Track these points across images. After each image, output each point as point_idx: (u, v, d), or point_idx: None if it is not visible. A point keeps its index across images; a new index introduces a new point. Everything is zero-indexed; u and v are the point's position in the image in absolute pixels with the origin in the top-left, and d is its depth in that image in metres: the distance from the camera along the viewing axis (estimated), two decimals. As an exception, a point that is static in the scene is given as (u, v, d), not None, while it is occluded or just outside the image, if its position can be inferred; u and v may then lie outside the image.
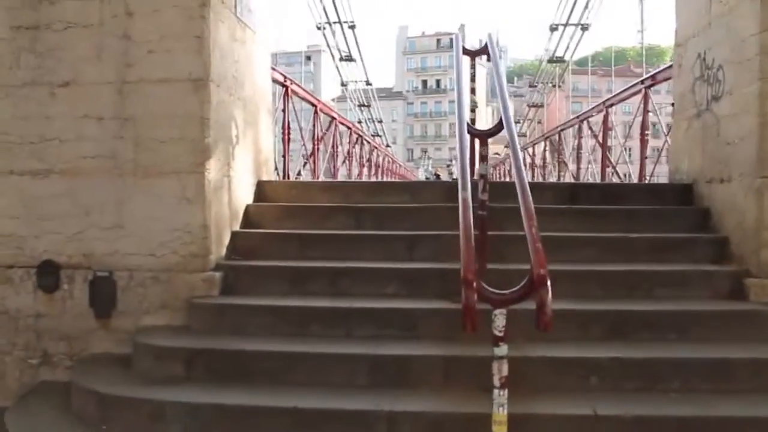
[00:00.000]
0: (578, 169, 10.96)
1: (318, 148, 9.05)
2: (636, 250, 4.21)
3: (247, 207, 4.72)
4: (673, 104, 5.17)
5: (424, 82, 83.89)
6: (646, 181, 7.20)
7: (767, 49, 3.73)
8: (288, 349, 3.45)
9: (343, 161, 11.73)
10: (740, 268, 3.94)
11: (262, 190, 5.01)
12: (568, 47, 16.58)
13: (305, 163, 9.24)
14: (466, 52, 4.68)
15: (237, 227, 4.53)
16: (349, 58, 17.78)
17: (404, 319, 3.61)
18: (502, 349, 2.38)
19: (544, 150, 14.73)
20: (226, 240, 4.33)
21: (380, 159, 17.96)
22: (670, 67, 5.69)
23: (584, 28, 15.29)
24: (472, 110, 4.68)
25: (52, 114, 4.11)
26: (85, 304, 4.05)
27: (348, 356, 3.37)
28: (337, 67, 18.33)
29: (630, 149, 9.67)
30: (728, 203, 4.18)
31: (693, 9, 4.70)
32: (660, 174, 7.35)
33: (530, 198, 2.74)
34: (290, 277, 4.07)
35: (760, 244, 3.79)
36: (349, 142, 12.38)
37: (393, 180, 13.11)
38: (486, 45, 4.57)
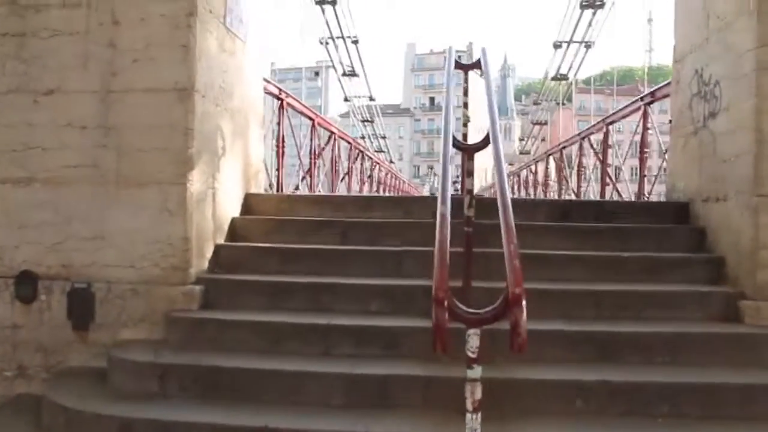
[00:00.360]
0: (579, 186, 10.85)
1: (315, 164, 8.96)
2: (628, 269, 4.09)
3: (233, 220, 4.63)
4: (671, 121, 5.07)
5: (432, 99, 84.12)
6: (645, 200, 7.09)
7: (764, 64, 3.64)
8: (264, 366, 3.35)
9: (343, 177, 11.63)
10: (735, 289, 3.82)
11: (249, 203, 4.92)
12: (571, 65, 16.55)
13: (303, 178, 9.14)
14: (458, 65, 4.61)
15: (221, 240, 4.44)
16: (353, 73, 17.78)
17: (386, 338, 3.50)
18: (476, 371, 2.27)
19: (546, 167, 14.63)
20: (209, 253, 4.24)
21: (382, 175, 17.91)
22: (670, 84, 5.60)
23: (588, 45, 15.24)
24: (465, 125, 4.58)
25: (35, 122, 4.06)
26: (62, 316, 3.96)
27: (325, 375, 3.26)
28: (340, 82, 18.35)
29: (634, 168, 9.56)
30: (724, 222, 4.07)
31: (691, 25, 4.62)
32: (661, 193, 7.24)
33: (511, 214, 2.64)
34: (272, 292, 3.97)
35: (756, 265, 3.68)
36: (349, 158, 12.30)
37: (385, 195, 12.95)
38: (479, 59, 4.50)
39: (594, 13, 14.53)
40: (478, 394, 2.28)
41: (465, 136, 4.29)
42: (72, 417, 3.20)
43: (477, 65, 4.62)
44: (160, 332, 3.83)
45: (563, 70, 16.95)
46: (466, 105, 4.60)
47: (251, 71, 5.16)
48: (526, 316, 2.24)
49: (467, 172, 3.62)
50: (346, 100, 19.71)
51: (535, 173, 16.27)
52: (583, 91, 60.51)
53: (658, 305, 3.78)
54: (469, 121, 4.86)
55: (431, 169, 71.60)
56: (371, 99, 21.31)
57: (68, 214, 4.02)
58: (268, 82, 6.31)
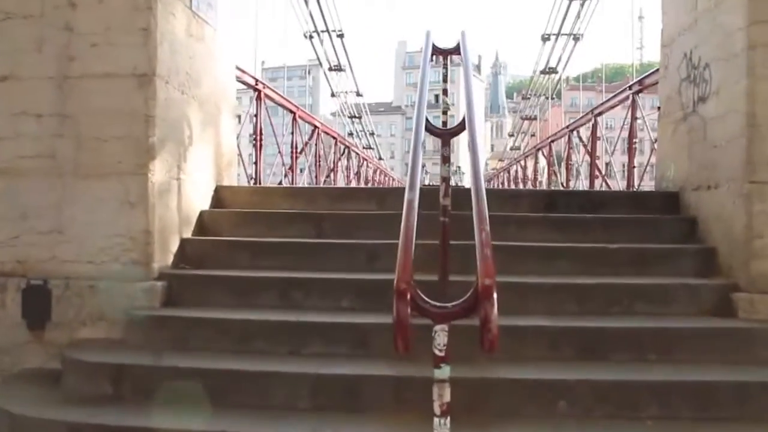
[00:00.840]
0: (567, 181, 10.66)
1: (297, 158, 8.71)
2: (616, 261, 3.89)
3: (202, 213, 4.40)
4: (659, 108, 4.87)
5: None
6: (634, 190, 6.89)
7: (755, 43, 3.44)
8: (226, 366, 3.12)
9: (328, 174, 11.38)
10: (728, 281, 3.63)
11: (220, 195, 4.70)
12: (560, 59, 16.35)
13: (286, 174, 8.90)
14: (437, 50, 4.39)
15: (188, 234, 4.21)
16: (338, 68, 17.54)
17: (356, 335, 3.28)
18: (443, 371, 2.05)
19: (536, 162, 14.44)
20: (174, 247, 4.02)
21: (371, 172, 17.67)
22: (658, 71, 5.40)
23: (576, 38, 15.04)
24: (444, 112, 4.37)
25: (-12, 110, 3.82)
26: (17, 315, 3.72)
27: (291, 375, 3.04)
28: (326, 77, 18.09)
29: (624, 165, 9.39)
30: (716, 211, 3.88)
31: (679, 6, 4.42)
32: (651, 186, 7.03)
33: (484, 199, 2.42)
34: (239, 288, 3.75)
35: (750, 255, 3.48)
36: (334, 152, 12.05)
37: (359, 186, 12.60)
38: (458, 44, 4.29)
39: (582, 5, 14.34)
40: (447, 397, 2.06)
41: (444, 124, 4.08)
42: (18, 423, 2.97)
43: (456, 50, 4.40)
44: (119, 331, 3.59)
45: (552, 64, 16.81)
46: (445, 92, 4.40)
47: (223, 59, 4.93)
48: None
49: (443, 158, 3.41)
50: (333, 95, 19.47)
51: (525, 168, 16.08)
52: (573, 88, 60.50)
53: (647, 299, 3.58)
54: (448, 108, 4.66)
55: (423, 167, 71.23)
56: (358, 94, 21.07)
57: (24, 207, 3.79)
58: (243, 71, 6.08)
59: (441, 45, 4.39)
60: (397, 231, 3.90)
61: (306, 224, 4.30)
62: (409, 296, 1.98)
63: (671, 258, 3.93)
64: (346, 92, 19.70)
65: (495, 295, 1.95)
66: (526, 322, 3.29)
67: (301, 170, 10.10)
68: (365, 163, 16.57)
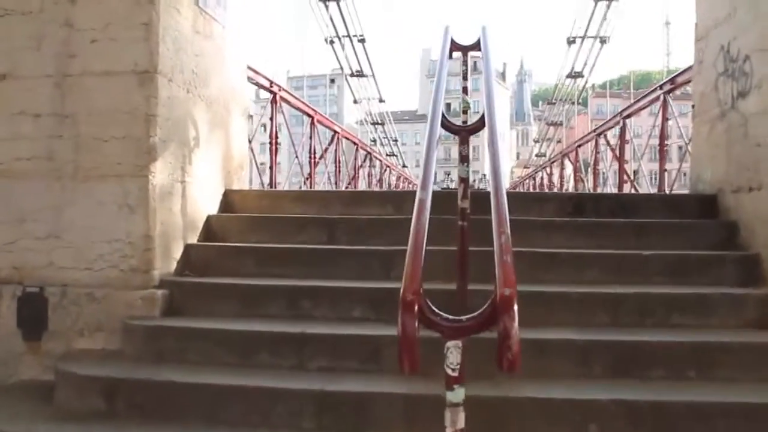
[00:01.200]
0: (595, 186, 10.29)
1: (315, 164, 8.48)
2: (650, 269, 3.59)
3: (209, 218, 4.20)
4: (693, 106, 4.56)
5: (448, 105, 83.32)
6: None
7: (804, 30, 3.13)
8: (226, 381, 2.89)
9: (349, 182, 11.14)
10: (774, 291, 3.31)
11: (229, 200, 4.49)
12: (586, 62, 15.96)
13: (305, 181, 8.68)
14: (456, 46, 4.14)
15: (194, 239, 4.01)
16: (360, 74, 17.34)
17: (367, 348, 3.03)
18: (457, 394, 1.79)
19: (562, 169, 14.06)
20: (178, 254, 3.81)
21: (393, 179, 17.42)
22: (691, 69, 5.09)
23: (603, 41, 14.67)
24: (464, 111, 4.12)
25: (-15, 110, 3.66)
26: (13, 324, 3.55)
27: (295, 392, 2.80)
28: (348, 83, 17.90)
29: (653, 172, 9.01)
30: (759, 215, 3.56)
31: (715, -4, 4.12)
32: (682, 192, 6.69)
33: (505, 202, 2.16)
34: (245, 296, 3.53)
35: (799, 263, 3.17)
36: (355, 158, 11.82)
37: (374, 189, 12.25)
38: (479, 39, 4.04)
39: (608, 6, 13.98)
40: (461, 423, 1.80)
41: (464, 123, 3.82)
42: (2, 441, 2.77)
43: (477, 46, 4.16)
44: (117, 342, 3.40)
45: (578, 68, 16.44)
46: (465, 90, 4.14)
47: (233, 58, 4.73)
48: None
49: (461, 157, 3.15)
50: (355, 101, 19.27)
51: (551, 174, 15.71)
52: (599, 95, 59.67)
53: (685, 311, 3.27)
54: (469, 107, 4.40)
55: (448, 174, 71.04)
56: (381, 101, 20.83)
57: (21, 211, 3.63)
58: (257, 72, 5.88)
59: (461, 41, 4.16)
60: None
61: (317, 229, 4.07)
62: (417, 308, 1.73)
63: (710, 266, 3.62)
64: (369, 99, 19.50)
65: (515, 308, 1.69)
66: (553, 335, 3.02)
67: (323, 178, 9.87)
68: (388, 169, 16.32)
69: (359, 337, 3.10)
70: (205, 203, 4.21)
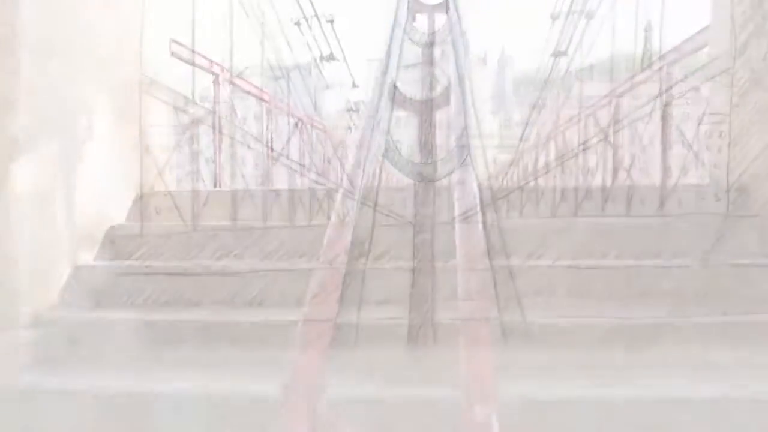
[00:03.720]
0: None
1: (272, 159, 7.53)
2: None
3: (113, 228, 3.33)
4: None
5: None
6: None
7: None
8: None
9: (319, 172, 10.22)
10: None
11: (146, 204, 3.62)
12: (571, 39, 15.11)
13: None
14: (419, 5, 3.32)
15: (89, 258, 3.14)
16: (331, 57, 16.40)
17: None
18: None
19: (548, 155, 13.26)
20: (62, 279, 2.95)
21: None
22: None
23: (588, 16, 13.84)
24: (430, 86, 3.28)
25: None
26: None
27: None
28: (318, 68, 16.95)
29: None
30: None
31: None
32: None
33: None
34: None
35: None
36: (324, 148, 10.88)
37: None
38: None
39: (595, -21, 13.16)
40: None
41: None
42: None
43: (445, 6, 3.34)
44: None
45: (563, 49, 15.53)
46: (431, 61, 3.30)
47: (150, 31, 3.84)
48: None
49: (421, 144, 2.30)
50: (327, 87, 18.30)
51: (537, 161, 14.92)
52: (585, 80, 58.98)
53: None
54: (438, 82, 3.57)
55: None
56: (354, 86, 19.88)
57: None
58: (190, 50, 4.95)
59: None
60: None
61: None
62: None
63: None
64: (341, 85, 18.54)
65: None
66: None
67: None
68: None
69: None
70: (106, 210, 3.34)
